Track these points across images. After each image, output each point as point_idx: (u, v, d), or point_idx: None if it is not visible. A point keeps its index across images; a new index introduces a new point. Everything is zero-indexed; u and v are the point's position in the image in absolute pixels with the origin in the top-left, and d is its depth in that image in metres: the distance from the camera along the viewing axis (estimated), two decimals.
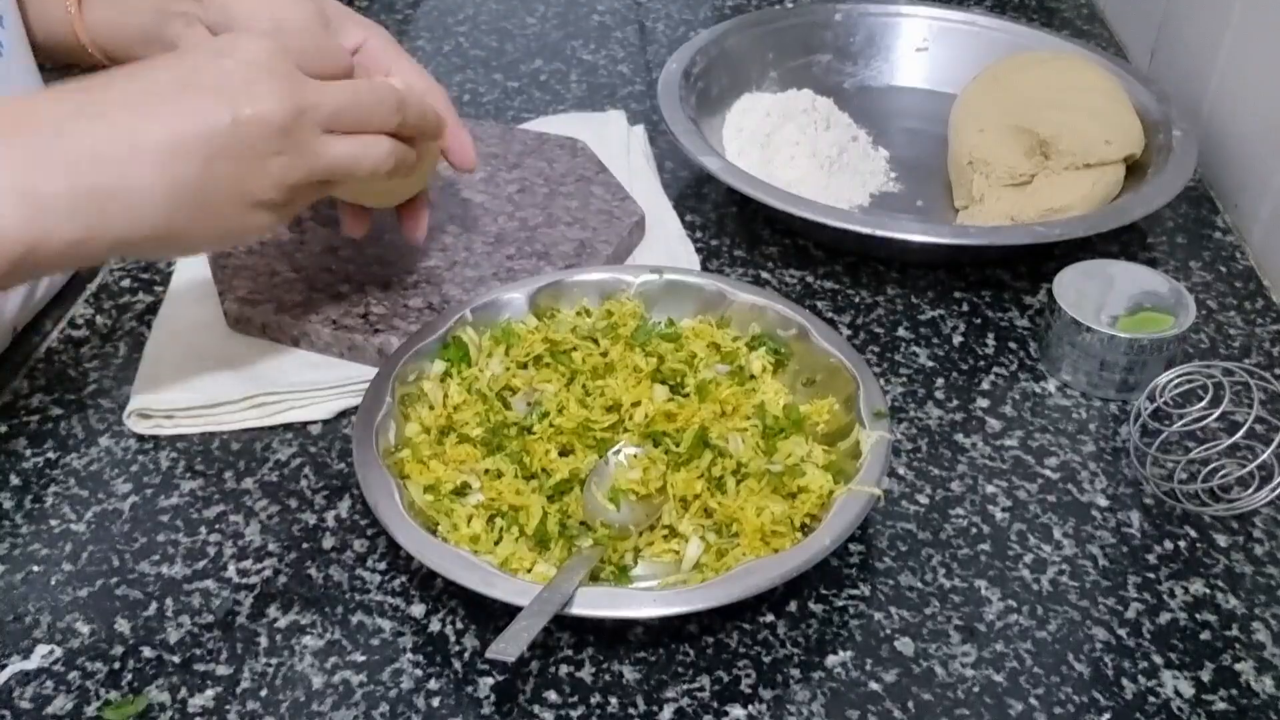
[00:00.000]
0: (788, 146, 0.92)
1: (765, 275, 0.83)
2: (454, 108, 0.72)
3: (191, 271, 0.79)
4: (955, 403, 0.73)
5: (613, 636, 0.58)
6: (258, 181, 0.58)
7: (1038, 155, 0.86)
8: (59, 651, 0.58)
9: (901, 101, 1.03)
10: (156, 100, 0.56)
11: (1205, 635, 0.59)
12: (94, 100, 0.56)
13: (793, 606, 0.60)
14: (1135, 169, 0.87)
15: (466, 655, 0.58)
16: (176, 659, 0.57)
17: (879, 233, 0.79)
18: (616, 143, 0.93)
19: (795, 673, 0.57)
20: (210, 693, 0.56)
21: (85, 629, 0.59)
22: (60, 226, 0.54)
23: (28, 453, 0.68)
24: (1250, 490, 0.65)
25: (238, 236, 0.61)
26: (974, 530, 0.64)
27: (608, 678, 0.57)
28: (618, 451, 0.62)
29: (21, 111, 0.55)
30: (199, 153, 0.56)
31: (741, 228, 0.88)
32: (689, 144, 0.86)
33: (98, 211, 0.54)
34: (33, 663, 0.57)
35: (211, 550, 0.63)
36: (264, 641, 0.58)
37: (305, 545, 0.63)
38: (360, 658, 0.57)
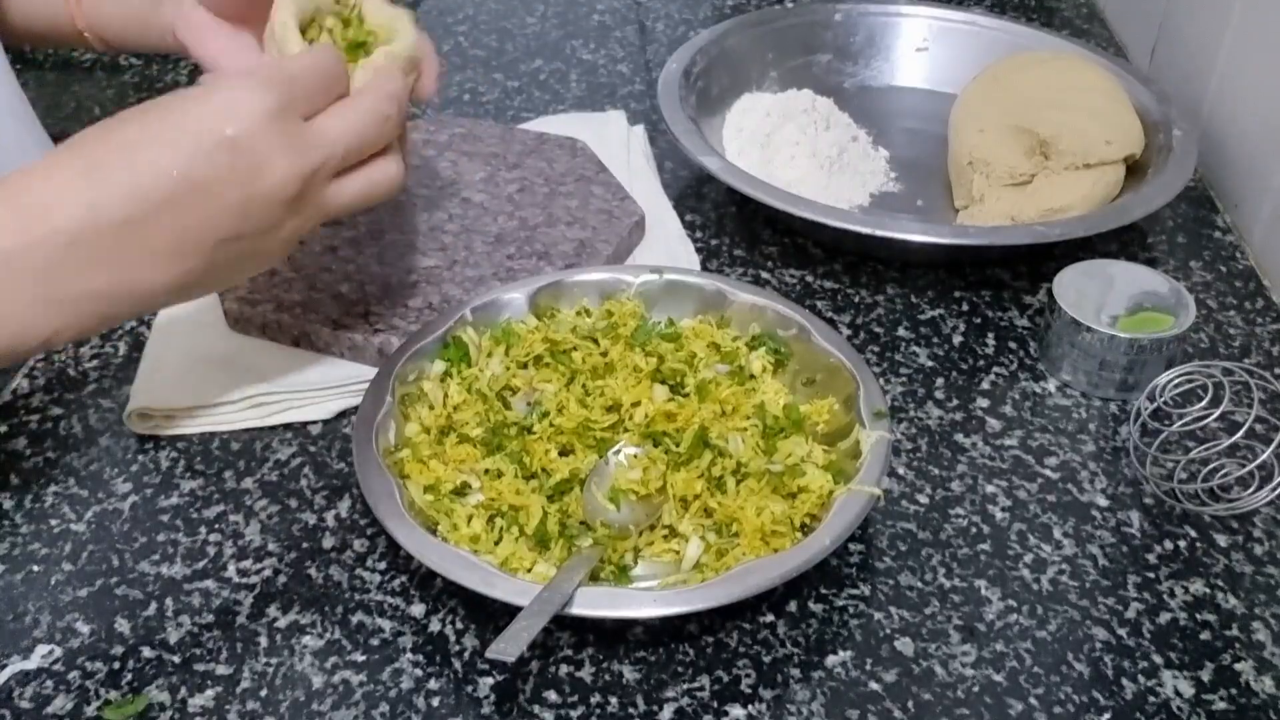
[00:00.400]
0: (788, 146, 0.92)
1: (765, 275, 0.83)
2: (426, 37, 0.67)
3: None
4: (955, 403, 0.73)
5: (613, 636, 0.58)
6: (268, 248, 0.59)
7: (1038, 155, 0.86)
8: (59, 651, 0.58)
9: (901, 101, 1.03)
10: (161, 199, 0.54)
11: (1205, 635, 0.59)
12: (103, 200, 0.54)
13: (793, 606, 0.60)
14: (1135, 169, 0.87)
15: (466, 655, 0.58)
16: (176, 659, 0.57)
17: (879, 233, 0.79)
18: (616, 143, 0.93)
19: (795, 673, 0.57)
20: (210, 693, 0.56)
21: (85, 629, 0.59)
22: (78, 321, 0.56)
23: (28, 453, 0.68)
24: (1250, 490, 0.65)
25: (247, 277, 0.64)
26: (974, 530, 0.64)
27: (608, 678, 0.57)
28: (618, 451, 0.62)
29: (40, 213, 0.54)
30: (207, 244, 0.56)
31: (741, 227, 0.88)
32: (689, 144, 0.86)
33: (111, 307, 0.56)
34: (33, 663, 0.57)
35: (211, 550, 0.63)
36: (264, 641, 0.58)
37: (305, 545, 0.63)
38: (360, 658, 0.57)
